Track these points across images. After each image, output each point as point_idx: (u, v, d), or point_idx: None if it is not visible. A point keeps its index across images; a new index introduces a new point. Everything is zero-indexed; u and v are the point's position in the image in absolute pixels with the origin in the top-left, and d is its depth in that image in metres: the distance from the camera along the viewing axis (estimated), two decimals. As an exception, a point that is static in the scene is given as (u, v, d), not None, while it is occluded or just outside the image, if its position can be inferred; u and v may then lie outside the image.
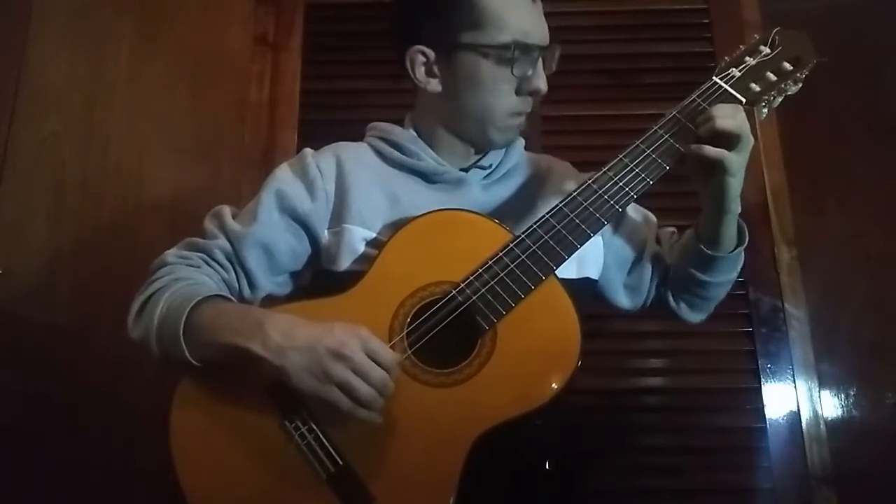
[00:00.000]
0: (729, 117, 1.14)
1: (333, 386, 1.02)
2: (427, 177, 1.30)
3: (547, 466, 1.24)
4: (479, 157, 1.34)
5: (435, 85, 1.28)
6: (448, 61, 1.25)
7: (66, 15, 2.13)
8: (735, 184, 1.18)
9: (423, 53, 1.26)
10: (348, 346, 1.02)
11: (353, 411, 1.02)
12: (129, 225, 2.01)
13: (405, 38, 1.28)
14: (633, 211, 1.41)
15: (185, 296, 1.12)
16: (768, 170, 2.02)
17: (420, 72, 1.28)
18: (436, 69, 1.27)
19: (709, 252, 1.26)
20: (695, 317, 1.41)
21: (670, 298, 1.40)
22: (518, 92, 1.25)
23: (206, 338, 1.08)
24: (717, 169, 1.16)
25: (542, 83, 1.24)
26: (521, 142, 1.40)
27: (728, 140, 1.15)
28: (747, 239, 1.29)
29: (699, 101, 1.21)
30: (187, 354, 1.09)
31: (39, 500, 1.80)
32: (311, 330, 1.05)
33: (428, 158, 1.30)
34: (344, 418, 1.04)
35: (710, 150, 1.15)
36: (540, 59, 1.24)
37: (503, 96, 1.25)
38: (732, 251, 1.28)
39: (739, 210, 1.23)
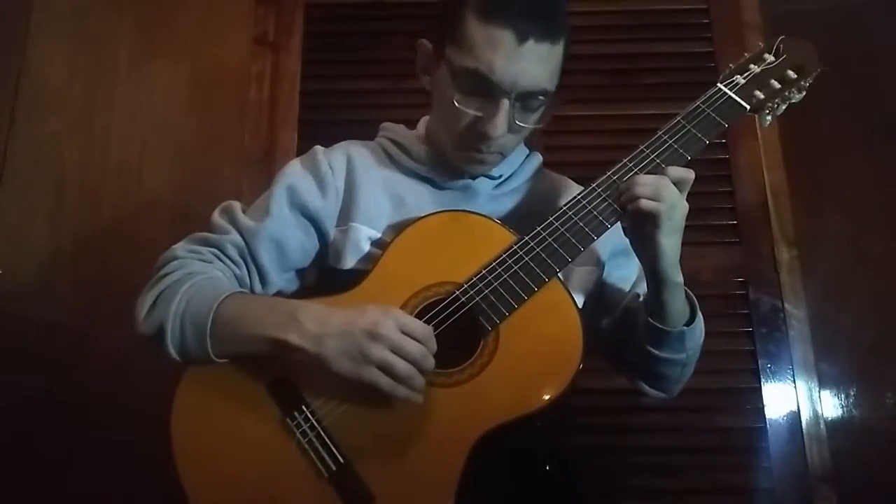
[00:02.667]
0: (649, 198, 1.10)
1: (373, 366, 1.01)
2: (434, 182, 1.30)
3: (547, 467, 1.25)
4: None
5: (426, 82, 1.28)
6: (437, 65, 1.23)
7: (66, 15, 2.13)
8: (667, 245, 1.13)
9: (425, 48, 1.26)
10: (382, 324, 1.02)
11: (393, 390, 1.02)
12: (129, 225, 2.01)
13: (431, 28, 1.27)
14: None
15: (207, 290, 1.11)
16: (768, 170, 2.02)
17: (419, 64, 1.28)
18: (429, 68, 1.26)
19: (656, 325, 1.18)
20: (656, 393, 1.32)
21: (629, 374, 1.34)
22: (470, 127, 1.19)
23: (234, 331, 1.08)
24: (648, 225, 1.12)
25: (491, 128, 1.16)
26: (538, 158, 1.39)
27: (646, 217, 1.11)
28: (699, 316, 1.22)
29: (703, 107, 1.21)
30: (210, 350, 1.09)
31: (40, 499, 1.80)
32: (344, 314, 1.05)
33: (434, 165, 1.30)
34: (347, 416, 1.05)
35: (646, 203, 1.10)
36: (505, 103, 1.15)
37: (456, 124, 1.19)
38: (687, 325, 1.20)
39: (680, 280, 1.16)
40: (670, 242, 1.13)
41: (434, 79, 1.24)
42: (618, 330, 1.29)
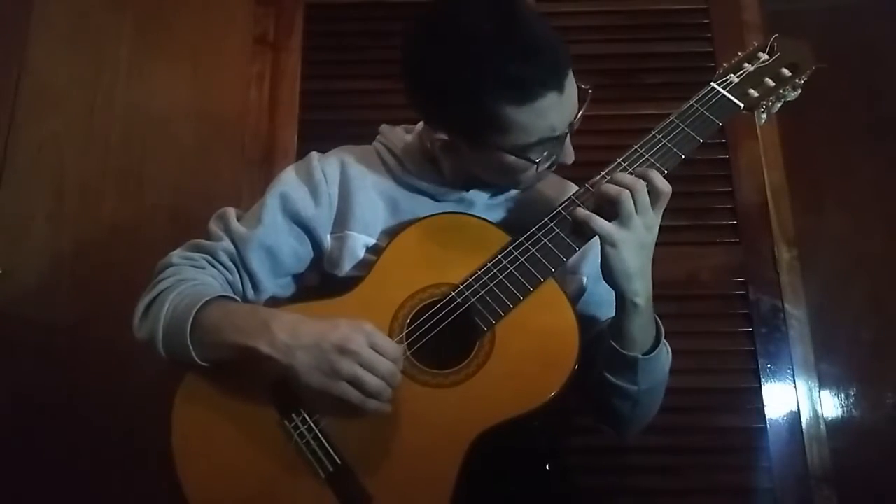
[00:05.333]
0: (613, 186, 1.10)
1: (342, 381, 1.02)
2: (430, 195, 1.29)
3: (546, 467, 1.25)
4: None
5: (454, 160, 1.24)
6: (472, 148, 1.18)
7: (66, 15, 2.13)
8: (616, 257, 1.10)
9: (436, 137, 1.20)
10: (353, 340, 1.03)
11: (363, 404, 1.03)
12: (129, 225, 2.01)
13: (425, 120, 1.23)
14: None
15: (191, 296, 1.12)
16: (768, 170, 2.02)
17: (435, 148, 1.24)
18: (458, 150, 1.20)
19: (612, 344, 1.15)
20: (609, 430, 1.31)
21: (586, 408, 1.31)
22: (548, 167, 1.20)
23: (213, 338, 1.09)
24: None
25: (568, 157, 1.19)
26: None
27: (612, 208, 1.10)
28: (662, 352, 1.18)
29: (697, 106, 1.21)
30: (194, 355, 1.10)
31: (39, 499, 1.80)
32: (316, 327, 1.05)
33: (430, 179, 1.28)
34: (344, 418, 1.05)
35: (580, 212, 1.11)
36: (567, 135, 1.16)
37: (529, 174, 1.19)
38: (645, 354, 1.16)
39: (638, 299, 1.12)
40: (627, 254, 1.10)
41: (472, 158, 1.20)
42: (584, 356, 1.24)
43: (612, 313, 1.24)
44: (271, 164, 2.02)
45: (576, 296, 1.29)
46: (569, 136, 1.17)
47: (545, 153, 1.15)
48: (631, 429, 1.29)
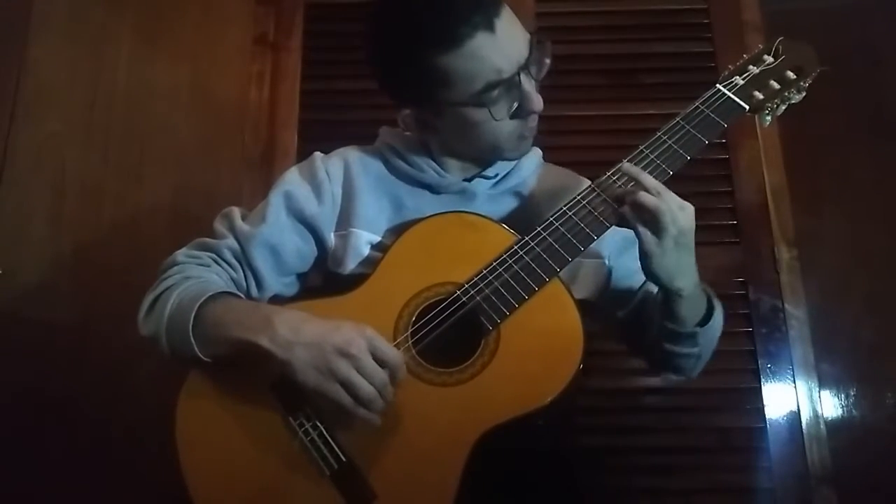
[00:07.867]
0: (648, 196, 1.10)
1: (336, 383, 1.02)
2: (432, 188, 1.30)
3: (548, 467, 1.25)
4: (483, 167, 1.32)
5: (433, 134, 1.29)
6: (436, 115, 1.23)
7: (66, 15, 2.13)
8: (653, 265, 1.11)
9: (409, 116, 1.29)
10: (354, 344, 1.03)
11: (353, 409, 1.03)
12: (129, 225, 2.01)
13: (392, 100, 1.29)
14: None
15: (195, 292, 1.13)
16: (768, 170, 2.02)
17: (413, 128, 1.30)
18: (428, 122, 1.26)
19: (668, 325, 1.20)
20: (675, 377, 1.33)
21: (648, 363, 1.36)
22: (515, 116, 1.20)
23: (215, 333, 1.09)
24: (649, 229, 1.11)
25: (533, 104, 1.19)
26: (537, 154, 1.38)
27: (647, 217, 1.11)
28: (716, 314, 1.22)
29: (703, 108, 1.22)
30: (196, 350, 1.10)
31: (40, 499, 1.80)
32: (318, 326, 1.06)
33: (430, 171, 1.30)
34: (347, 416, 1.04)
35: (630, 214, 1.12)
36: (526, 76, 1.17)
37: (502, 129, 1.20)
38: (701, 325, 1.21)
39: (683, 292, 1.15)
40: (663, 260, 1.11)
41: (442, 125, 1.25)
42: (635, 321, 1.31)
43: (643, 277, 1.24)
44: (271, 164, 2.02)
45: (605, 280, 1.32)
46: (530, 82, 1.18)
47: (501, 99, 1.17)
48: (697, 370, 1.32)
